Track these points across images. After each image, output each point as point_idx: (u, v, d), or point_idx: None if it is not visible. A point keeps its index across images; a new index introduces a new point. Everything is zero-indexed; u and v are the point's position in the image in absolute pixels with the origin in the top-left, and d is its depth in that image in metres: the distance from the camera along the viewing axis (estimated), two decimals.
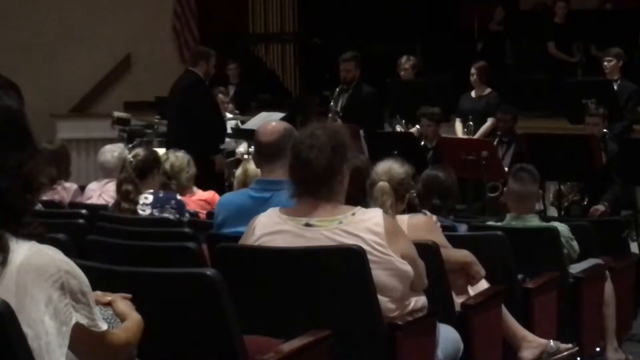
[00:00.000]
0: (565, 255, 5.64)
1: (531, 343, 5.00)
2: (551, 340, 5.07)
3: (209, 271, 3.31)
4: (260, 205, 4.39)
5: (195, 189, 6.96)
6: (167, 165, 6.58)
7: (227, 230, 4.69)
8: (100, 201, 6.99)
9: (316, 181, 3.78)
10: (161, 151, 6.90)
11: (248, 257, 3.91)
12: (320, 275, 3.78)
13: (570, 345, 5.18)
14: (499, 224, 5.92)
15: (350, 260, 3.70)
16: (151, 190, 6.07)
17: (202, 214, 6.47)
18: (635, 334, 6.69)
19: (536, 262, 5.46)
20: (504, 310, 4.93)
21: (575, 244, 5.73)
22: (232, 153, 10.44)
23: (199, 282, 3.29)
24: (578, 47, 13.07)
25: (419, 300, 3.95)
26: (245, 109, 12.44)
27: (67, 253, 2.45)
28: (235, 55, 13.99)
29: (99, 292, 2.68)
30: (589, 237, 6.06)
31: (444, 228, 5.08)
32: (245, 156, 9.65)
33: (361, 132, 9.55)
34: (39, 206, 5.78)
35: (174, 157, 6.74)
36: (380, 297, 3.76)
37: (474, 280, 4.76)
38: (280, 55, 15.53)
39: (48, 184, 6.69)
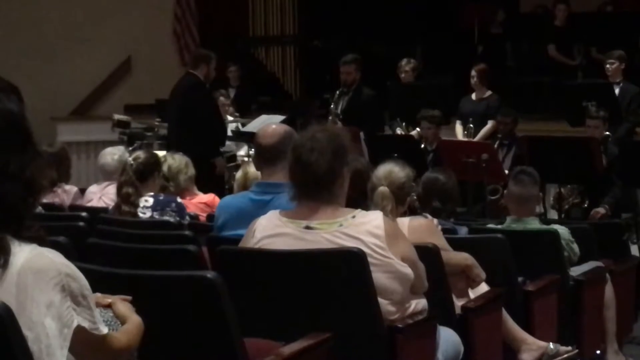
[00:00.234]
0: (565, 258, 5.64)
1: (531, 346, 5.00)
2: (551, 343, 5.07)
3: (210, 274, 3.31)
4: (261, 208, 4.39)
5: (196, 190, 6.97)
6: (165, 168, 6.58)
7: (228, 233, 4.70)
8: (101, 204, 6.99)
9: (316, 184, 3.79)
10: (161, 154, 6.90)
11: (248, 259, 3.91)
12: (320, 278, 3.78)
13: (570, 348, 5.18)
14: (499, 226, 5.93)
15: (350, 263, 3.70)
16: (151, 193, 6.08)
17: (203, 217, 6.47)
18: (635, 337, 6.69)
19: (536, 265, 5.46)
20: (504, 313, 4.93)
21: (575, 246, 5.73)
22: (233, 156, 10.44)
23: (199, 284, 3.29)
24: (578, 50, 13.06)
25: (419, 303, 3.95)
26: (246, 112, 12.43)
27: (68, 256, 2.45)
28: (235, 58, 13.99)
29: (99, 295, 2.68)
30: (589, 239, 6.06)
31: (445, 231, 5.08)
32: (246, 159, 9.65)
33: (361, 134, 9.55)
34: (39, 209, 5.78)
35: (171, 159, 6.75)
36: (380, 300, 3.76)
37: (474, 283, 4.76)
38: (280, 57, 15.53)
39: (48, 187, 6.69)
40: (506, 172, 8.88)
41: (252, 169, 5.85)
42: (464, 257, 4.74)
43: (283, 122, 7.20)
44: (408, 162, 5.12)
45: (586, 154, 8.60)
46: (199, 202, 6.78)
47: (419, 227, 4.72)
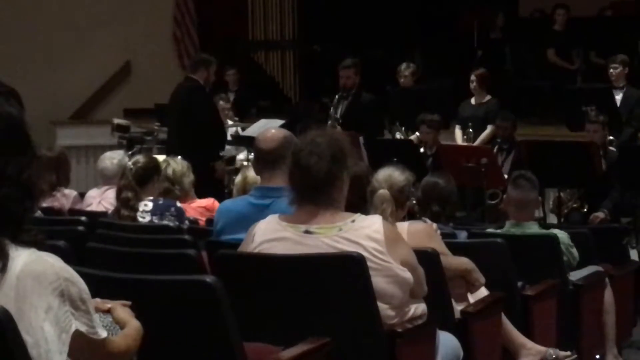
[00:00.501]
0: (565, 263, 5.64)
1: (530, 350, 5.00)
2: (550, 348, 5.07)
3: (209, 278, 3.31)
4: (260, 212, 4.39)
5: (194, 194, 6.96)
6: (169, 171, 6.60)
7: (227, 237, 4.69)
8: (100, 208, 6.99)
9: (316, 188, 3.79)
10: (161, 158, 6.90)
11: (248, 264, 3.91)
12: (319, 282, 3.78)
13: (569, 353, 5.17)
14: (498, 231, 5.92)
15: (349, 268, 3.70)
16: (151, 198, 6.08)
17: (202, 221, 6.47)
18: (635, 341, 6.69)
19: (536, 270, 5.45)
20: (504, 318, 4.93)
21: (574, 251, 5.73)
22: (232, 160, 10.44)
23: (198, 289, 3.29)
24: (578, 54, 13.08)
25: (418, 308, 3.95)
26: (245, 116, 12.43)
27: (67, 260, 2.45)
28: (235, 62, 14.00)
29: (98, 299, 2.68)
30: (588, 244, 6.06)
31: (444, 235, 5.08)
32: (245, 163, 9.65)
33: (361, 139, 9.55)
34: (38, 213, 5.79)
35: (174, 163, 6.76)
36: (379, 304, 3.76)
37: (473, 288, 4.77)
38: (280, 62, 15.53)
39: (48, 191, 6.69)
40: (505, 176, 8.88)
41: (251, 173, 5.84)
42: (463, 262, 4.74)
43: (282, 126, 7.20)
44: (407, 167, 5.12)
45: (585, 159, 8.60)
46: (198, 206, 6.78)
47: (419, 232, 4.72)
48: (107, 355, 2.53)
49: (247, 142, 9.44)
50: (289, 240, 3.81)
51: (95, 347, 2.48)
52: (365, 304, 3.72)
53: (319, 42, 15.26)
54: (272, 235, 3.85)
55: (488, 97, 10.73)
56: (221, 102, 11.02)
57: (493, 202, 9.27)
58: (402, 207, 4.88)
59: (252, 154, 5.20)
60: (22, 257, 2.38)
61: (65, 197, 7.29)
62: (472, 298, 4.79)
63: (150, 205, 6.01)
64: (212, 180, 9.23)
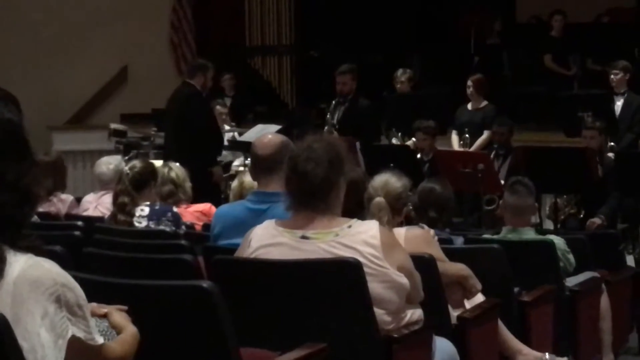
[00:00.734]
0: (561, 269, 5.64)
1: (527, 356, 5.00)
2: (547, 354, 5.07)
3: (205, 283, 3.31)
4: (257, 217, 4.39)
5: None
6: (173, 175, 6.62)
7: (224, 242, 4.70)
8: (97, 213, 6.99)
9: (313, 194, 3.79)
10: (158, 163, 6.91)
11: (244, 269, 3.91)
12: (316, 287, 3.78)
13: (566, 359, 5.18)
14: (495, 236, 5.93)
15: (346, 273, 3.70)
16: (147, 203, 6.08)
17: (199, 226, 6.47)
18: (631, 347, 6.69)
19: (532, 275, 5.46)
20: (500, 323, 4.93)
21: (571, 257, 5.73)
22: (229, 165, 10.44)
23: (195, 294, 3.29)
24: (574, 60, 13.09)
25: (415, 313, 3.95)
26: (242, 121, 12.44)
27: (63, 265, 2.45)
28: (232, 67, 14.01)
29: (95, 305, 2.67)
30: (585, 250, 6.06)
31: (441, 241, 5.09)
32: (241, 168, 9.66)
33: (357, 144, 9.55)
34: (35, 218, 5.78)
35: (176, 168, 6.79)
36: (376, 310, 3.76)
37: (470, 294, 4.77)
38: (276, 67, 15.55)
39: (44, 196, 6.69)
40: (502, 182, 8.88)
41: (247, 179, 5.85)
42: (460, 268, 4.75)
43: (279, 131, 7.20)
44: (404, 172, 5.13)
45: (582, 164, 8.61)
46: (195, 211, 6.78)
47: (415, 238, 4.73)
48: None
49: (244, 148, 9.44)
50: (286, 245, 3.82)
51: (92, 353, 2.47)
52: (361, 309, 3.72)
53: (315, 47, 15.29)
54: (268, 240, 3.85)
55: (485, 103, 10.75)
56: (218, 108, 11.03)
57: (490, 207, 9.27)
58: (398, 213, 4.89)
59: (249, 159, 5.20)
60: (19, 263, 2.37)
61: (61, 202, 7.29)
62: (468, 304, 4.79)
63: (146, 210, 6.01)
64: (209, 185, 9.24)
